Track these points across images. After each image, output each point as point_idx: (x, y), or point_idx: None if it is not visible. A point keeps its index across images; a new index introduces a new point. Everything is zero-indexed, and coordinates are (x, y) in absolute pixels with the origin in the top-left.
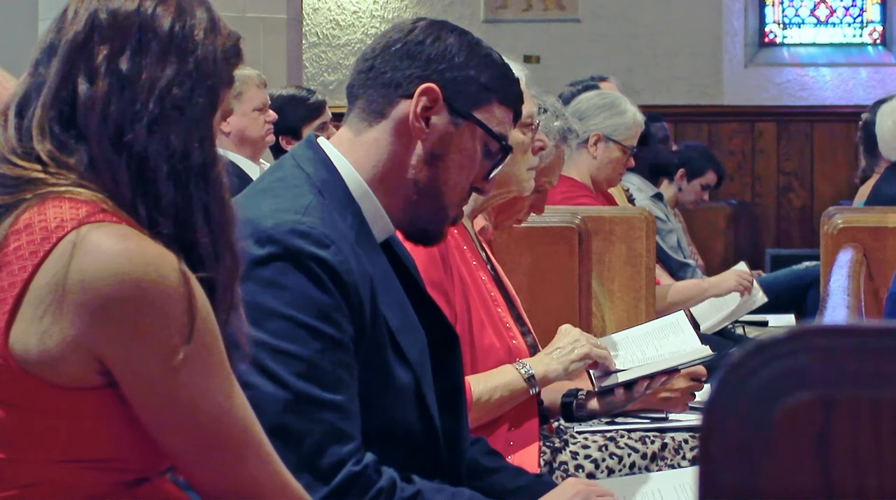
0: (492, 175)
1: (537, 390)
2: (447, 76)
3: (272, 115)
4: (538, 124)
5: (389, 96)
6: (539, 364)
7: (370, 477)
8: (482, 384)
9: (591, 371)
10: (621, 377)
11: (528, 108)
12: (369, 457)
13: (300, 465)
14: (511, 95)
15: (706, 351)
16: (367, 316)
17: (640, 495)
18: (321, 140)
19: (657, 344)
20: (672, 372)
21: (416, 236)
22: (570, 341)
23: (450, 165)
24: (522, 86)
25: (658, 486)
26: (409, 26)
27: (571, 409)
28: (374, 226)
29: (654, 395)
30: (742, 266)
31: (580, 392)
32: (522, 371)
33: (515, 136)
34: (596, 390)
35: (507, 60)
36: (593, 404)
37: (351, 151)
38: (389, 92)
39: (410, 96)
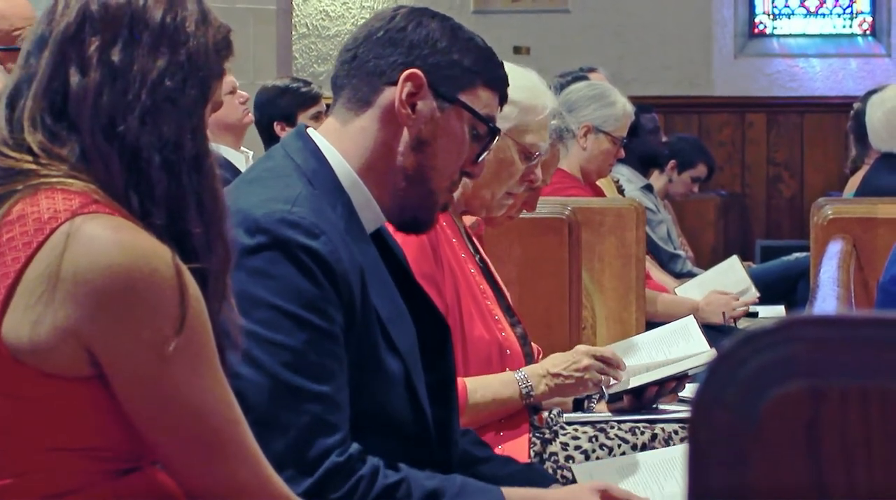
0: (481, 158)
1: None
2: (431, 61)
3: (243, 95)
4: (539, 157)
5: (374, 84)
6: (540, 383)
7: (353, 467)
8: (480, 392)
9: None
10: (630, 384)
11: (536, 139)
12: (354, 447)
13: (285, 456)
14: (495, 78)
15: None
16: (357, 306)
17: (632, 476)
18: (311, 130)
19: (667, 350)
20: (682, 378)
21: (407, 224)
22: (573, 371)
23: (437, 151)
24: (545, 115)
25: (647, 465)
26: (391, 14)
27: (582, 406)
28: (364, 216)
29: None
30: (734, 260)
31: (593, 396)
32: (523, 388)
33: (515, 160)
34: (605, 396)
35: (543, 83)
36: (601, 407)
37: (339, 141)
38: (374, 80)
39: (395, 83)
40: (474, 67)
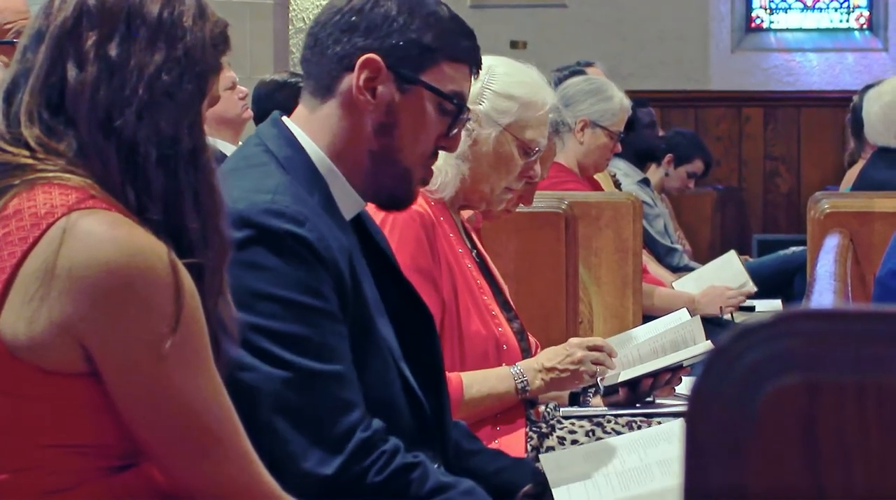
0: (453, 133)
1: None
2: (388, 43)
3: (243, 90)
4: (538, 153)
5: (334, 71)
6: (535, 378)
7: (376, 442)
8: (476, 387)
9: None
10: (624, 376)
11: (535, 135)
12: (377, 423)
13: (311, 441)
14: (460, 50)
15: (710, 347)
16: (349, 289)
17: (602, 459)
18: (285, 118)
19: (662, 341)
20: (676, 369)
21: (387, 204)
22: (568, 364)
23: (403, 132)
24: (545, 110)
25: (617, 446)
26: None
27: (578, 400)
28: (342, 203)
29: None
30: (732, 255)
31: (589, 389)
32: (519, 383)
33: (514, 155)
34: (600, 390)
35: (543, 79)
36: (597, 401)
37: (309, 129)
38: (334, 66)
39: (353, 69)
40: (435, 44)
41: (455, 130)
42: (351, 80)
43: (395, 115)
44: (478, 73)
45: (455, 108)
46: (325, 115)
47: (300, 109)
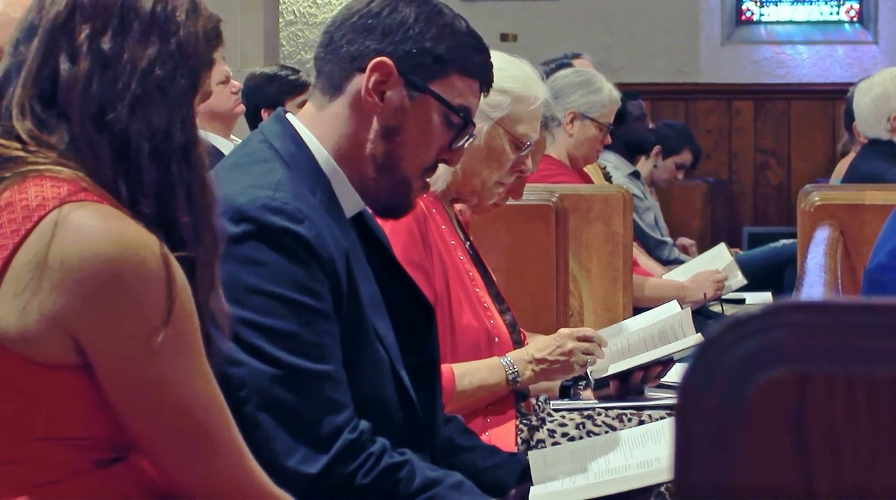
0: (456, 146)
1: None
2: (402, 49)
3: (236, 85)
4: (529, 147)
5: (346, 70)
6: (526, 369)
7: (364, 444)
8: (468, 378)
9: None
10: (615, 369)
11: (528, 129)
12: (364, 424)
13: (297, 437)
14: (473, 65)
15: (700, 339)
16: (344, 289)
17: (589, 458)
18: (290, 115)
19: (653, 333)
20: (667, 362)
21: (382, 211)
22: (558, 355)
23: (407, 139)
24: (537, 105)
25: (603, 445)
26: None
27: (569, 393)
28: (345, 201)
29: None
30: (722, 248)
31: (579, 382)
32: (510, 374)
33: (505, 149)
34: (591, 383)
35: (536, 73)
36: (588, 394)
37: (315, 127)
38: (346, 66)
39: (364, 70)
40: (448, 55)
41: (458, 144)
42: (361, 81)
43: (401, 120)
44: (488, 91)
45: (461, 121)
46: (332, 113)
47: (308, 107)
